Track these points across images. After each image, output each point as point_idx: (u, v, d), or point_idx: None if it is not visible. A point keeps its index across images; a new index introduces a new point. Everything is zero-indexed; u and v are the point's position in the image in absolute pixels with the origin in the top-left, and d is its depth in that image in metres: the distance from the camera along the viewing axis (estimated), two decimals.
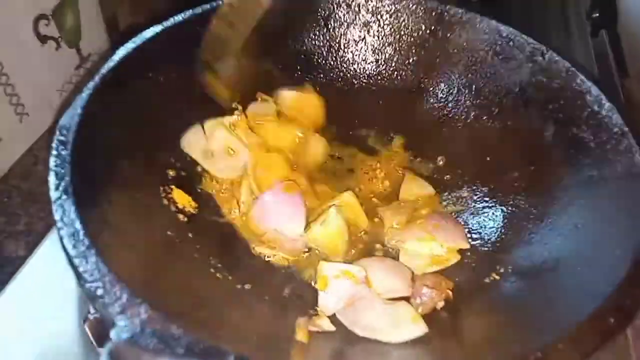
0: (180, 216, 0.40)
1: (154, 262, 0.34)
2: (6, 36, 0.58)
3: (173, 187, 0.41)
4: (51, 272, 0.44)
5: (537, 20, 0.65)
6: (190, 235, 0.39)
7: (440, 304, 0.38)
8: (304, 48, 0.49)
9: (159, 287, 0.31)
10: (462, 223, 0.43)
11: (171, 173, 0.42)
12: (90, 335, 0.37)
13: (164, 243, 0.37)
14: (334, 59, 0.50)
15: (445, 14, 0.47)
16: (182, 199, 0.41)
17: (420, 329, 0.36)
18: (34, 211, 0.60)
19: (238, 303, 0.35)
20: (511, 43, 0.44)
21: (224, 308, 0.34)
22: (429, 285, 0.38)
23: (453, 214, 0.44)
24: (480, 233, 0.42)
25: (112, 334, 0.25)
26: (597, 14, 0.63)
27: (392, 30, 0.49)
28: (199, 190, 0.43)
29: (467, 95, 0.47)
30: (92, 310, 0.39)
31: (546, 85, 0.42)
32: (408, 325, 0.36)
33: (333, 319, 0.37)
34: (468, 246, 0.41)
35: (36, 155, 0.65)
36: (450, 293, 0.38)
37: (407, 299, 0.38)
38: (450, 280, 0.39)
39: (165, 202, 0.39)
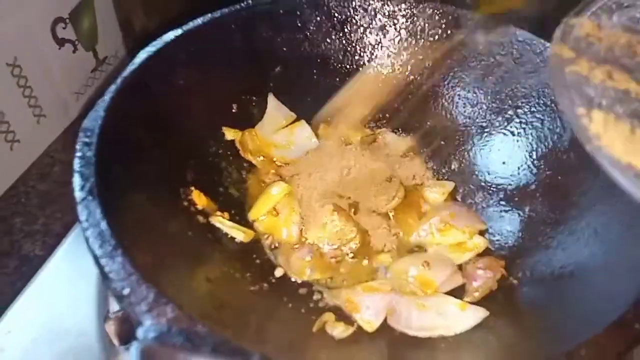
0: (200, 217, 0.40)
1: (175, 263, 0.34)
2: (25, 39, 0.59)
3: (192, 188, 0.41)
4: (71, 272, 0.45)
5: (551, 24, 0.65)
6: (209, 236, 0.39)
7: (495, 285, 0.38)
8: (321, 52, 0.50)
9: (181, 288, 0.32)
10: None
11: (191, 175, 0.42)
12: (110, 334, 0.37)
13: (185, 243, 0.37)
14: (350, 63, 0.50)
15: (462, 18, 0.47)
16: (201, 200, 0.41)
17: (477, 314, 0.36)
18: (51, 212, 0.60)
19: (258, 304, 0.35)
20: (527, 47, 0.44)
21: (245, 309, 0.34)
22: (482, 267, 0.38)
23: None
24: (497, 238, 0.42)
25: (139, 332, 0.25)
26: None
27: (408, 34, 0.49)
28: (220, 192, 0.43)
29: (482, 99, 0.47)
30: (112, 310, 0.40)
31: None
32: (461, 314, 0.36)
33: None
34: (485, 227, 0.43)
35: (52, 156, 0.66)
36: (504, 271, 0.39)
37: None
38: (500, 258, 0.39)
39: (185, 203, 0.40)
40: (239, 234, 0.41)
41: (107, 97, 0.36)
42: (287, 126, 0.49)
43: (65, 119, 0.68)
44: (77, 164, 0.32)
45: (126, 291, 0.26)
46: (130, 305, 0.26)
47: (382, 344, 0.35)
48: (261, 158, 0.47)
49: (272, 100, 0.49)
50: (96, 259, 0.28)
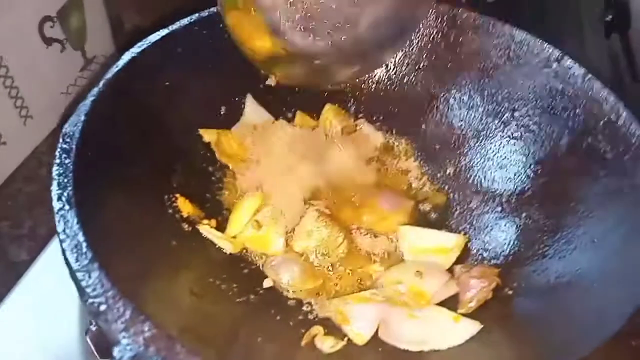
0: (185, 225, 0.39)
1: (158, 273, 0.33)
2: (12, 38, 0.58)
3: (177, 195, 0.40)
4: (55, 279, 0.43)
5: (552, 22, 0.64)
6: (194, 244, 0.38)
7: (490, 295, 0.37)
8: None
9: (163, 300, 0.30)
10: (471, 236, 0.43)
11: (176, 180, 0.41)
12: (92, 346, 0.36)
13: (169, 253, 0.36)
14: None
15: (457, 18, 0.45)
16: (186, 207, 0.40)
17: (470, 327, 0.35)
18: (38, 215, 0.59)
19: (245, 316, 0.34)
20: (525, 48, 0.43)
21: (231, 322, 0.33)
22: (476, 275, 0.37)
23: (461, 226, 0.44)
24: (492, 245, 0.41)
25: (116, 352, 0.24)
26: (610, 18, 0.62)
27: None
28: (207, 198, 0.42)
29: (479, 102, 0.46)
30: (93, 322, 0.38)
31: (561, 92, 0.41)
32: (454, 327, 0.35)
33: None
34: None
35: (40, 158, 0.65)
36: (499, 280, 0.38)
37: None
38: (493, 267, 0.38)
39: (170, 211, 0.39)
40: (227, 245, 0.39)
41: (89, 100, 0.35)
42: None
43: (52, 120, 0.67)
44: (55, 171, 0.31)
45: (102, 307, 0.25)
46: (107, 323, 0.25)
47: (372, 359, 0.34)
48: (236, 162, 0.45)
49: (249, 101, 0.47)
50: (72, 273, 0.27)
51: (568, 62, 0.41)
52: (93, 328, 0.35)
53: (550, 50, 0.42)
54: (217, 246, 0.39)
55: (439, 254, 0.41)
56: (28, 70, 0.61)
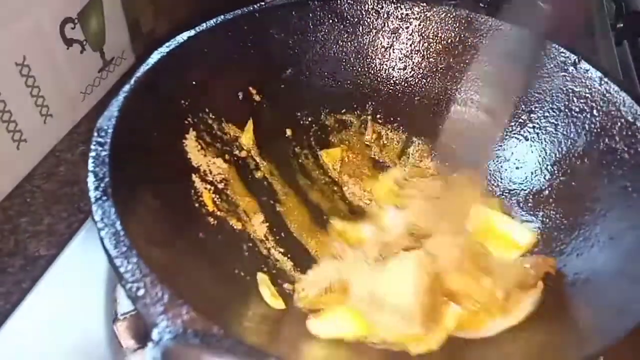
0: (210, 219, 0.40)
1: (187, 264, 0.34)
2: (34, 39, 0.59)
3: (203, 190, 0.41)
4: (79, 272, 0.44)
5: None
6: (220, 237, 0.39)
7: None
8: (332, 54, 0.50)
9: (194, 289, 0.31)
10: None
11: (200, 176, 0.42)
12: (119, 335, 0.37)
13: (196, 245, 0.37)
14: (361, 65, 0.50)
15: (475, 21, 0.47)
16: (211, 202, 0.41)
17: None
18: (56, 212, 0.60)
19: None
20: (541, 52, 0.44)
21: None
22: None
23: None
24: None
25: (154, 334, 0.25)
26: (621, 25, 0.63)
27: (421, 37, 0.49)
28: (228, 193, 0.43)
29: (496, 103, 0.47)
30: (120, 311, 0.39)
31: (578, 95, 0.42)
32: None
33: None
34: None
35: (58, 156, 0.66)
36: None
37: None
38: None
39: (197, 205, 0.39)
40: (276, 303, 0.37)
41: (121, 96, 0.36)
42: None
43: (71, 118, 0.68)
44: (91, 163, 0.32)
45: (141, 292, 0.26)
46: (145, 307, 0.26)
47: None
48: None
49: None
50: (111, 259, 0.27)
51: (585, 65, 0.42)
52: (121, 317, 0.36)
53: (567, 55, 0.43)
54: (242, 244, 0.40)
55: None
56: (49, 70, 0.62)
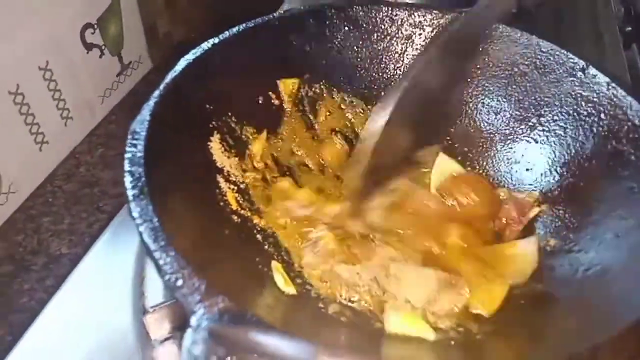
0: (235, 217, 0.42)
1: (216, 258, 0.36)
2: (56, 44, 0.61)
3: (227, 190, 0.42)
4: (106, 270, 0.46)
5: (570, 32, 0.66)
6: (243, 235, 0.41)
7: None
8: (348, 60, 0.51)
9: (223, 280, 0.33)
10: None
11: (224, 176, 0.43)
12: (148, 327, 0.39)
13: (223, 240, 0.39)
14: (375, 71, 0.52)
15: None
16: (234, 202, 0.43)
17: None
18: (76, 212, 0.62)
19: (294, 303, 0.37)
20: (551, 58, 0.46)
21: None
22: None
23: None
24: None
25: (193, 321, 0.27)
26: (630, 29, 0.64)
27: None
28: (250, 193, 0.45)
29: (506, 107, 0.48)
30: (148, 304, 0.41)
31: (586, 99, 0.43)
32: None
33: None
34: None
35: (78, 158, 0.68)
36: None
37: None
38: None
39: (222, 203, 0.41)
40: (289, 289, 0.39)
41: (152, 101, 0.38)
42: None
43: (90, 121, 0.70)
44: (127, 164, 0.33)
45: (179, 282, 0.28)
46: (184, 296, 0.28)
47: None
48: None
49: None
50: (150, 253, 0.29)
51: (593, 71, 0.43)
52: (151, 310, 0.38)
53: (576, 60, 0.44)
54: (263, 242, 0.42)
55: None
56: (70, 74, 0.65)
